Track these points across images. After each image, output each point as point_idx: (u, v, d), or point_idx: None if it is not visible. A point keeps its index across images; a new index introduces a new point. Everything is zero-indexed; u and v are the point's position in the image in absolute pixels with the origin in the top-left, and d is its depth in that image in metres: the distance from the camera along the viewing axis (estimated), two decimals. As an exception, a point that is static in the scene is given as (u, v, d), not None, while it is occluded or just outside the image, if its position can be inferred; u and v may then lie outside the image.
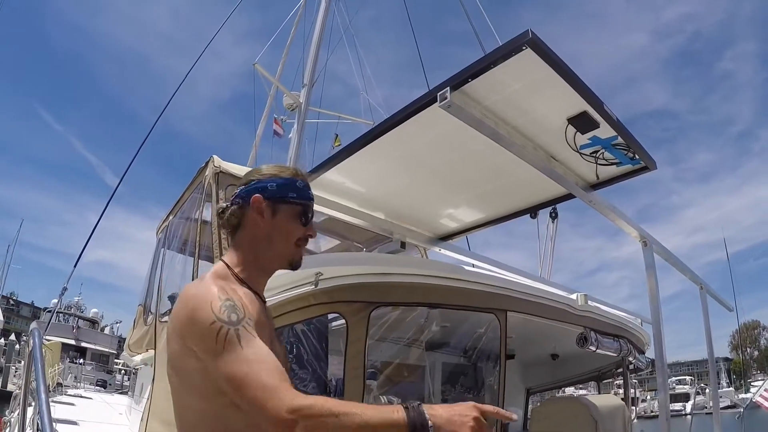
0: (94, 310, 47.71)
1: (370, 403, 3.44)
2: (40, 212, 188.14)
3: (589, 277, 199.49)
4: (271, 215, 1.75)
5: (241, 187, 1.79)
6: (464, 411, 1.36)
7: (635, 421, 9.49)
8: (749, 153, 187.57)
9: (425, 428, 1.33)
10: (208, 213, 5.03)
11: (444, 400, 4.98)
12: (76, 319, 42.69)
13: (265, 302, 1.79)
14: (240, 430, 1.55)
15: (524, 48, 1.97)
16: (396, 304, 3.32)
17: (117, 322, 47.42)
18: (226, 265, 1.72)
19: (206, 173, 5.09)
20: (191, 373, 1.57)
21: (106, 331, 45.66)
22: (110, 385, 31.52)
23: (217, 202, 4.75)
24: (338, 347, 3.18)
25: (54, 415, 5.36)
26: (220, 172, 4.93)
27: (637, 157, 2.88)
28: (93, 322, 45.30)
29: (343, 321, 3.21)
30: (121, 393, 14.45)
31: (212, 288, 1.58)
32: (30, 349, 3.14)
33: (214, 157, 5.07)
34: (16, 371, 30.21)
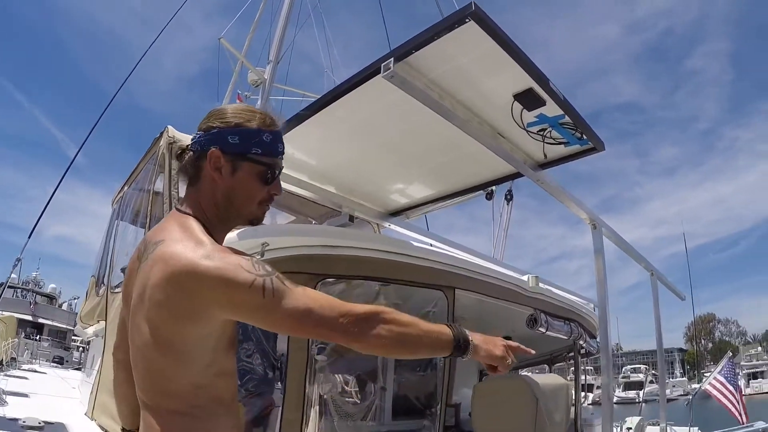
0: (52, 285, 46.95)
1: (318, 380, 3.47)
2: (5, 187, 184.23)
3: (551, 264, 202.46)
4: (230, 173, 1.61)
5: (199, 133, 1.63)
6: (496, 338, 1.69)
7: (589, 406, 9.67)
8: (713, 150, 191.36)
9: (467, 342, 1.58)
10: (160, 184, 4.96)
11: (397, 381, 5.01)
12: (34, 294, 41.98)
13: None
14: (227, 399, 1.55)
15: (467, 20, 1.95)
16: (342, 276, 3.30)
17: (75, 298, 46.67)
18: (198, 221, 1.59)
19: (160, 144, 5.01)
20: (192, 342, 1.48)
21: (64, 307, 44.92)
22: (67, 361, 31.15)
23: (170, 172, 4.68)
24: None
25: (5, 388, 5.28)
26: (174, 142, 4.86)
27: (584, 137, 2.89)
28: (51, 298, 44.62)
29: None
30: (77, 369, 14.32)
31: (208, 246, 1.48)
32: None
33: (169, 127, 4.98)
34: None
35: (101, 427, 4.79)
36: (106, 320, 5.76)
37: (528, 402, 3.46)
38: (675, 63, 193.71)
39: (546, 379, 3.76)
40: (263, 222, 1.73)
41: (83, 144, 10.34)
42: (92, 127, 10.51)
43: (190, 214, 1.59)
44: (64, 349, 36.56)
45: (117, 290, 5.73)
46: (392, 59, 2.12)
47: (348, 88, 2.47)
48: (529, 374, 3.67)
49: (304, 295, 1.45)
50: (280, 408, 3.16)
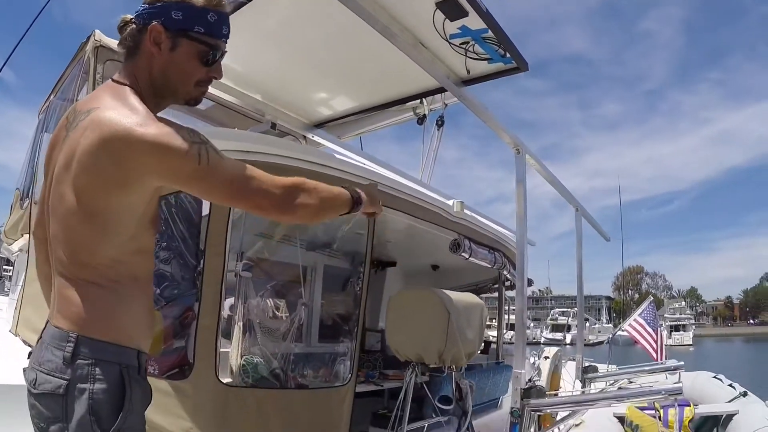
0: (-14, 213, 45.37)
1: (237, 295, 3.49)
2: None
3: (487, 205, 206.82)
4: (169, 48, 1.60)
5: (144, 6, 1.60)
6: (373, 191, 2.07)
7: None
8: (656, 111, 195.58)
9: (359, 197, 1.93)
10: (86, 92, 4.80)
11: (314, 301, 5.08)
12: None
13: None
14: (143, 279, 1.60)
15: None
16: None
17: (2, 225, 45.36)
18: (133, 92, 1.57)
19: (86, 48, 4.84)
20: (117, 212, 1.49)
21: (-1, 236, 43.62)
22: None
23: (95, 78, 4.53)
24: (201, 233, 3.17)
25: None
26: (101, 46, 4.68)
27: (507, 54, 2.90)
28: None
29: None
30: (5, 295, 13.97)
31: (151, 114, 1.50)
32: None
33: (96, 31, 4.81)
34: None
35: (25, 342, 4.73)
36: (30, 234, 5.62)
37: (439, 315, 3.53)
38: (628, 22, 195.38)
39: (459, 296, 3.84)
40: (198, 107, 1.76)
41: (9, 58, 9.91)
42: (19, 39, 10.06)
43: (126, 84, 1.58)
44: (-7, 279, 35.56)
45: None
46: (310, -47, 2.09)
47: (267, -16, 2.42)
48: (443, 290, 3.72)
49: (238, 165, 1.57)
50: (196, 318, 3.17)
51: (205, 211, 3.15)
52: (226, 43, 1.68)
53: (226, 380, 3.23)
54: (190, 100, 1.71)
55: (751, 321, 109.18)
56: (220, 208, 3.14)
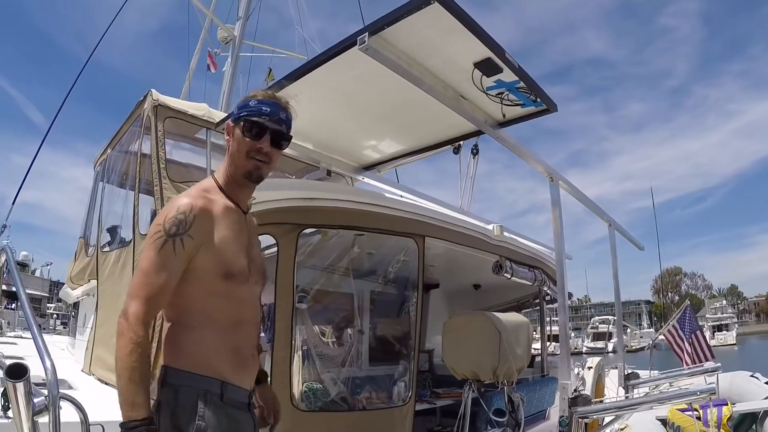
0: (24, 253, 46.13)
1: (300, 326, 3.82)
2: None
3: (519, 217, 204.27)
4: (231, 135, 2.06)
5: None
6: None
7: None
8: (681, 107, 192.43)
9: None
10: (147, 146, 5.19)
11: (371, 326, 5.37)
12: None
13: (246, 212, 2.09)
14: (225, 319, 1.95)
15: (432, 2, 2.26)
16: (320, 226, 3.66)
17: (47, 264, 46.35)
18: (214, 179, 2.05)
19: (144, 106, 5.22)
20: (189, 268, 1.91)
21: (37, 274, 44.59)
22: (44, 329, 31.03)
23: (156, 134, 4.93)
24: (270, 274, 3.50)
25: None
26: (159, 105, 5.08)
27: (538, 100, 3.23)
28: (23, 266, 44.17)
29: (275, 249, 3.53)
30: (57, 335, 14.45)
31: (183, 200, 1.90)
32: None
33: (153, 90, 5.20)
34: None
35: (99, 380, 5.13)
36: (97, 279, 6.03)
37: (491, 336, 3.83)
38: (645, 20, 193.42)
39: (507, 316, 4.14)
40: (260, 179, 2.09)
41: (57, 114, 10.48)
42: (65, 96, 10.65)
43: (213, 176, 2.09)
44: (40, 316, 36.38)
45: (106, 250, 6.00)
46: (367, 33, 2.43)
47: (326, 59, 2.77)
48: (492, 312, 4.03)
49: (147, 264, 1.84)
50: (270, 350, 3.50)
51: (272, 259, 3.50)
52: (269, 120, 2.03)
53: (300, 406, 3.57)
54: (246, 173, 2.05)
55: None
56: (287, 249, 3.51)
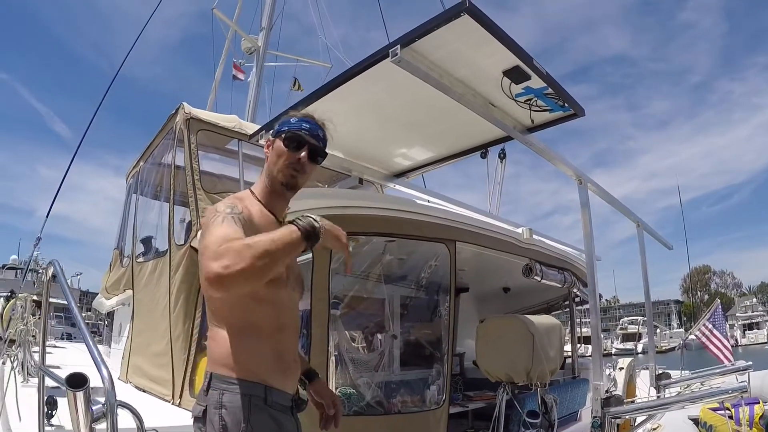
0: (54, 263, 46.73)
1: (334, 332, 3.88)
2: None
3: (546, 218, 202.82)
4: (273, 148, 2.18)
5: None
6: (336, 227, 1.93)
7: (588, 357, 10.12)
8: (705, 103, 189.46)
9: (315, 230, 1.80)
10: (180, 158, 5.32)
11: (402, 332, 5.43)
12: (36, 274, 42.16)
13: (281, 223, 2.14)
14: (269, 325, 2.01)
15: (462, 14, 2.33)
16: (355, 233, 3.72)
17: (77, 275, 46.94)
18: (251, 190, 2.17)
19: (177, 120, 5.34)
20: None
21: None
22: (75, 338, 31.49)
23: (190, 147, 5.05)
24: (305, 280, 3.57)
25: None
26: (191, 118, 5.21)
27: (566, 105, 3.28)
28: (53, 276, 44.62)
29: (309, 254, 3.60)
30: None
31: (227, 200, 2.01)
32: (47, 280, 3.39)
33: (184, 104, 5.32)
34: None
35: (137, 387, 5.26)
36: (133, 288, 6.17)
37: (524, 338, 3.89)
38: (666, 15, 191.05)
39: (540, 318, 4.18)
40: (296, 189, 2.18)
41: (85, 133, 10.69)
42: (94, 112, 10.86)
43: (249, 188, 2.20)
44: (71, 326, 36.89)
45: (141, 260, 6.14)
46: (398, 46, 2.50)
47: (359, 71, 2.85)
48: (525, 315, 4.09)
49: (216, 233, 1.78)
50: (307, 356, 3.57)
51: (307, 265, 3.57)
52: (308, 135, 2.16)
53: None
54: (283, 182, 2.15)
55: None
56: (322, 257, 3.59)
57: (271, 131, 2.27)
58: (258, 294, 1.95)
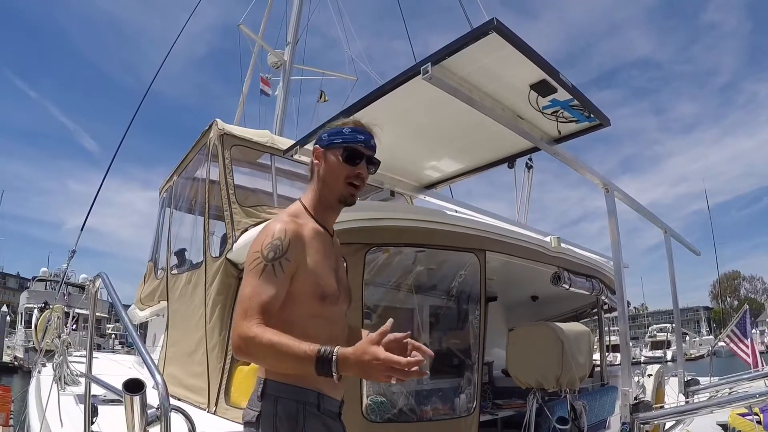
0: (83, 275, 47.53)
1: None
2: (20, 182, 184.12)
3: (573, 226, 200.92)
4: (323, 160, 2.18)
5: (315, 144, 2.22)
6: (372, 353, 1.65)
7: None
8: (732, 105, 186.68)
9: (329, 361, 1.68)
10: (214, 173, 5.46)
11: (432, 341, 5.49)
12: (66, 285, 42.86)
13: (332, 235, 2.23)
14: (321, 337, 1.94)
15: (490, 33, 2.43)
16: (387, 245, 3.83)
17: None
18: (302, 204, 2.19)
19: (210, 135, 5.48)
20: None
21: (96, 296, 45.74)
22: (104, 348, 31.97)
23: (224, 162, 5.19)
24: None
25: (75, 371, 5.85)
26: (225, 134, 5.35)
27: (592, 115, 3.36)
28: (82, 288, 45.42)
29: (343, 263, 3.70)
30: (111, 353, 14.92)
31: (277, 225, 2.02)
32: (94, 291, 3.51)
33: (217, 120, 5.46)
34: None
35: (172, 396, 5.37)
36: (167, 299, 6.32)
37: (554, 345, 3.95)
38: (690, 17, 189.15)
39: (569, 326, 4.24)
40: (353, 203, 2.21)
41: (117, 150, 10.92)
42: (125, 132, 11.07)
43: (301, 201, 2.21)
44: (100, 336, 37.46)
45: (175, 272, 6.29)
46: (429, 63, 2.60)
47: (391, 87, 2.96)
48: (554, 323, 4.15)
49: (251, 288, 1.91)
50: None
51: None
52: (363, 147, 2.17)
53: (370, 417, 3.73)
54: (342, 197, 2.18)
55: None
56: (356, 267, 3.69)
57: (317, 142, 2.24)
58: (313, 310, 2.02)
